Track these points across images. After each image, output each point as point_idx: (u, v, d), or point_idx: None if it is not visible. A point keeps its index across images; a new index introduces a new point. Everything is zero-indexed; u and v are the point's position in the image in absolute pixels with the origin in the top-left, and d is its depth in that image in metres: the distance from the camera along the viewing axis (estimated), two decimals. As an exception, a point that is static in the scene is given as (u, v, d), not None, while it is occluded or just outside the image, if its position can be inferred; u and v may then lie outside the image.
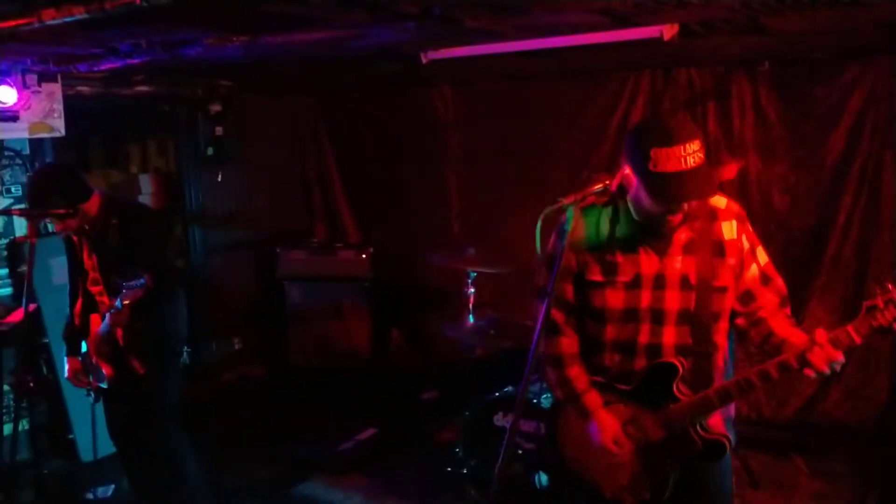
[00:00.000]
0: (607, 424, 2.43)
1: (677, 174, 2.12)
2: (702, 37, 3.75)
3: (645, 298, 2.36)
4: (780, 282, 2.45)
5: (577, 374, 2.50)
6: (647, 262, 2.36)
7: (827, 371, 2.18)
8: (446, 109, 6.06)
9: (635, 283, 2.37)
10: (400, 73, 5.28)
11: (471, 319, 4.64)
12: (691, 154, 2.14)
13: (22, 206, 4.96)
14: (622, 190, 2.35)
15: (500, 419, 4.02)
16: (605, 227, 2.40)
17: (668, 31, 3.59)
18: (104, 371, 3.59)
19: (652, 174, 2.14)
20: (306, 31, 3.27)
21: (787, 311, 2.45)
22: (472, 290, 4.66)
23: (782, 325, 2.38)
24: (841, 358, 2.17)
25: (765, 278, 2.43)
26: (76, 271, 3.74)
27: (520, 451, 3.87)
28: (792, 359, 2.21)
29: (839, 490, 4.29)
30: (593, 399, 2.46)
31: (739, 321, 2.46)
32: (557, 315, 2.51)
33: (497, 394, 4.08)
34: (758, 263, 2.42)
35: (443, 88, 6.02)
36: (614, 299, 2.39)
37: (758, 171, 4.92)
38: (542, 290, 2.51)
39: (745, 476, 4.28)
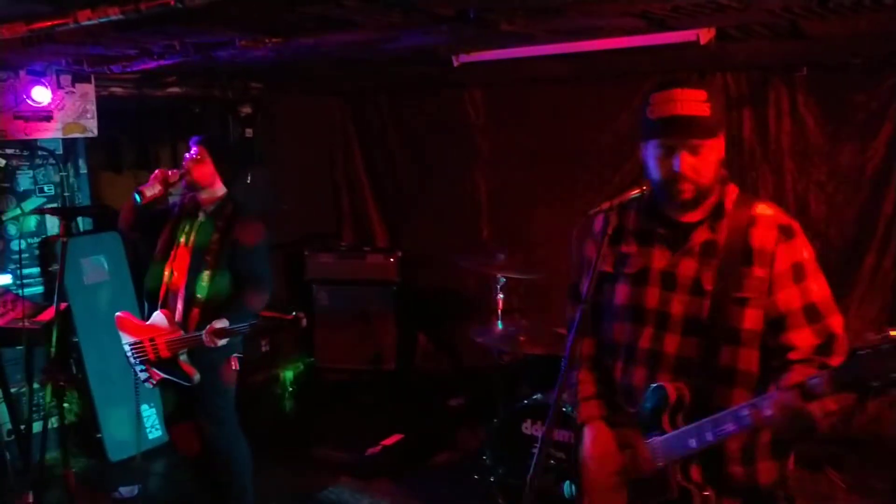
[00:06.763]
0: (598, 438, 2.22)
1: (672, 117, 2.05)
2: (739, 41, 3.69)
3: (651, 297, 2.16)
4: (830, 322, 2.06)
5: (584, 379, 2.32)
6: (659, 257, 2.17)
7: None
8: (476, 112, 6.02)
9: (641, 278, 2.18)
10: (430, 76, 5.26)
11: (500, 325, 4.60)
12: (689, 100, 2.04)
13: (55, 205, 5.02)
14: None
15: (528, 427, 3.96)
16: (629, 218, 2.25)
17: (705, 34, 3.53)
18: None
19: (649, 120, 2.11)
20: (341, 32, 3.25)
21: (826, 359, 2.01)
22: (502, 295, 4.61)
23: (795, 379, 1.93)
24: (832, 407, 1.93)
25: (811, 313, 2.05)
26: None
27: (552, 462, 3.81)
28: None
29: (876, 506, 4.20)
30: (591, 408, 2.28)
31: (774, 362, 2.06)
32: (574, 312, 2.36)
33: (526, 401, 4.02)
34: (803, 291, 2.06)
35: (473, 91, 5.98)
36: (620, 293, 2.22)
37: (794, 179, 4.83)
38: (569, 288, 2.46)
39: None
